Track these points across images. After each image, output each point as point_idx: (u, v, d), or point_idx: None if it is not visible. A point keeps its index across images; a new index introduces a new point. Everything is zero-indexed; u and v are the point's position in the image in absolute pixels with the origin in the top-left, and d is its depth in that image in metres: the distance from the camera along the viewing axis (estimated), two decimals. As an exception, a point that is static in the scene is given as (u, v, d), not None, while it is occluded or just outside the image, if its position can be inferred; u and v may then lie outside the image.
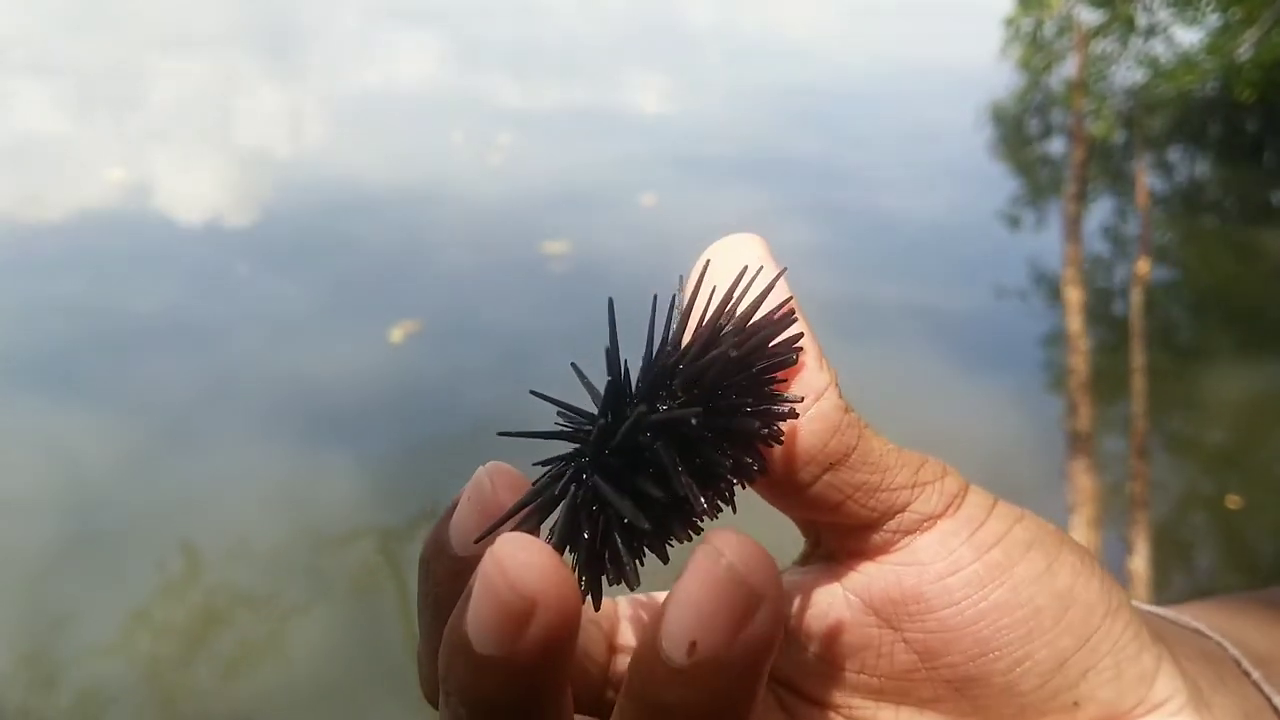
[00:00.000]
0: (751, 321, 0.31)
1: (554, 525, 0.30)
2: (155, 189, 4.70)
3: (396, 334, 3.35)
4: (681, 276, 0.34)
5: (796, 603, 0.36)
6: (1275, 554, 2.68)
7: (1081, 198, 3.89)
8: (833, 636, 0.35)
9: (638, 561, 0.30)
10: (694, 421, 0.29)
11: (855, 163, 5.24)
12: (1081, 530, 2.30)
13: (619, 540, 0.29)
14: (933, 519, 0.34)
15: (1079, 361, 2.74)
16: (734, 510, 0.32)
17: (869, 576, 0.35)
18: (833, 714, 0.36)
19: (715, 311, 0.31)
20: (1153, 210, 4.65)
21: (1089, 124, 5.11)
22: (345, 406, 3.04)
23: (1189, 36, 6.01)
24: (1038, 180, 5.39)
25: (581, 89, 6.71)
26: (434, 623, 0.31)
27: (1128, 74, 6.04)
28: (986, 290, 3.91)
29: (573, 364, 0.33)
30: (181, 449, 2.85)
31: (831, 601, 0.35)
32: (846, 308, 3.68)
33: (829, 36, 8.45)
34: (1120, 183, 5.13)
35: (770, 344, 0.31)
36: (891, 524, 0.34)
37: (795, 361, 0.32)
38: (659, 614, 0.26)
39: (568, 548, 0.30)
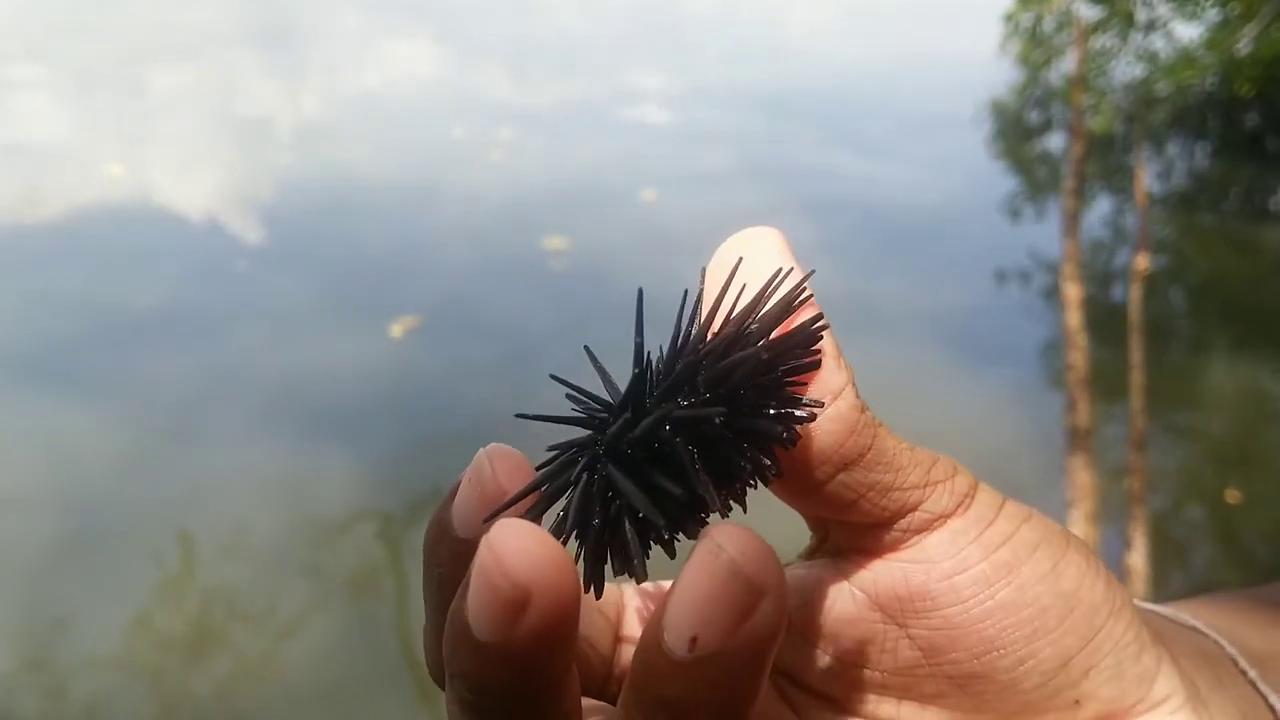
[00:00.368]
0: (781, 325, 0.31)
1: (563, 511, 0.30)
2: (154, 185, 4.70)
3: (396, 329, 3.36)
4: (703, 269, 0.34)
5: (802, 597, 0.36)
6: (1275, 549, 2.69)
7: (1080, 193, 3.89)
8: (837, 631, 0.36)
9: (645, 554, 0.30)
10: (718, 421, 0.29)
11: (854, 158, 5.23)
12: (1080, 526, 2.30)
13: (628, 532, 0.29)
14: (943, 518, 0.34)
15: (1077, 357, 2.74)
16: (744, 510, 0.32)
17: (876, 573, 0.35)
18: (835, 708, 0.36)
19: (742, 311, 0.31)
20: (1152, 205, 4.65)
21: (1088, 119, 5.11)
22: (345, 402, 3.04)
23: (1188, 31, 6.01)
24: (1036, 176, 5.39)
25: (581, 85, 6.70)
26: (439, 605, 0.31)
27: (1127, 69, 6.04)
28: (985, 286, 3.92)
29: (586, 347, 0.33)
30: (181, 444, 2.86)
31: (837, 597, 0.36)
32: (845, 304, 3.68)
33: (828, 31, 8.44)
34: (1119, 178, 5.13)
35: (795, 345, 0.31)
36: (902, 523, 0.34)
37: (818, 366, 0.32)
38: (661, 607, 0.27)
39: (574, 535, 0.30)
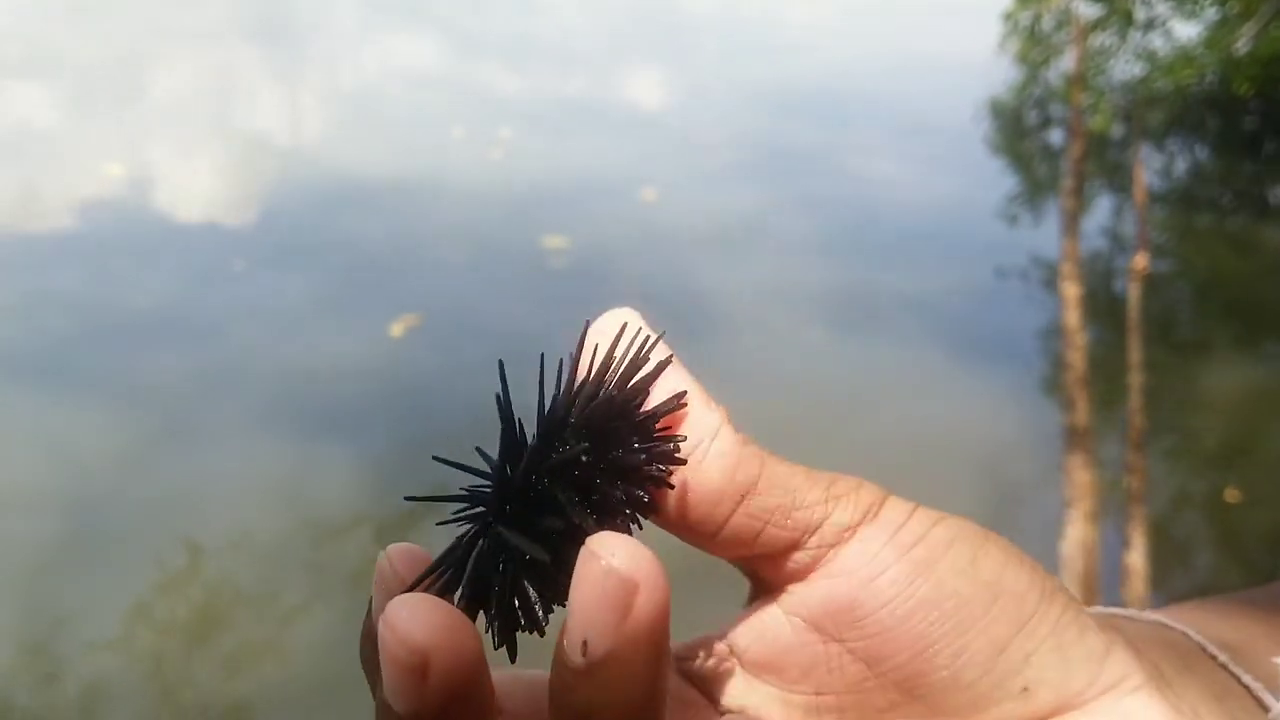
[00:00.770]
0: (633, 370, 0.33)
1: (464, 581, 0.31)
2: (154, 184, 4.70)
3: (397, 328, 3.36)
4: (569, 354, 0.35)
5: (746, 639, 0.37)
6: (1274, 549, 2.69)
7: (1079, 193, 3.90)
8: (785, 662, 0.37)
9: (549, 608, 0.31)
10: (585, 459, 0.31)
11: (854, 156, 5.24)
12: (1079, 525, 2.31)
13: (529, 586, 0.31)
14: (852, 528, 0.35)
15: (1076, 357, 2.74)
16: None
17: (804, 596, 0.36)
18: None
19: (601, 366, 0.33)
20: (1150, 204, 4.66)
21: (1087, 118, 5.11)
22: (346, 400, 3.04)
23: (1187, 31, 6.01)
24: (1036, 175, 5.40)
25: (581, 83, 6.70)
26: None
27: (1126, 68, 6.04)
28: (984, 285, 3.92)
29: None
30: (181, 443, 2.86)
31: (777, 629, 0.37)
32: (844, 301, 3.69)
33: (828, 29, 8.44)
34: (1118, 177, 5.13)
35: (651, 384, 0.33)
36: (813, 539, 0.35)
37: (683, 404, 0.34)
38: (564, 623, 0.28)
39: (477, 600, 0.31)
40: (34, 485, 2.67)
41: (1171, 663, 0.37)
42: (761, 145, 5.40)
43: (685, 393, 0.34)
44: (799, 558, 0.35)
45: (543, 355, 0.33)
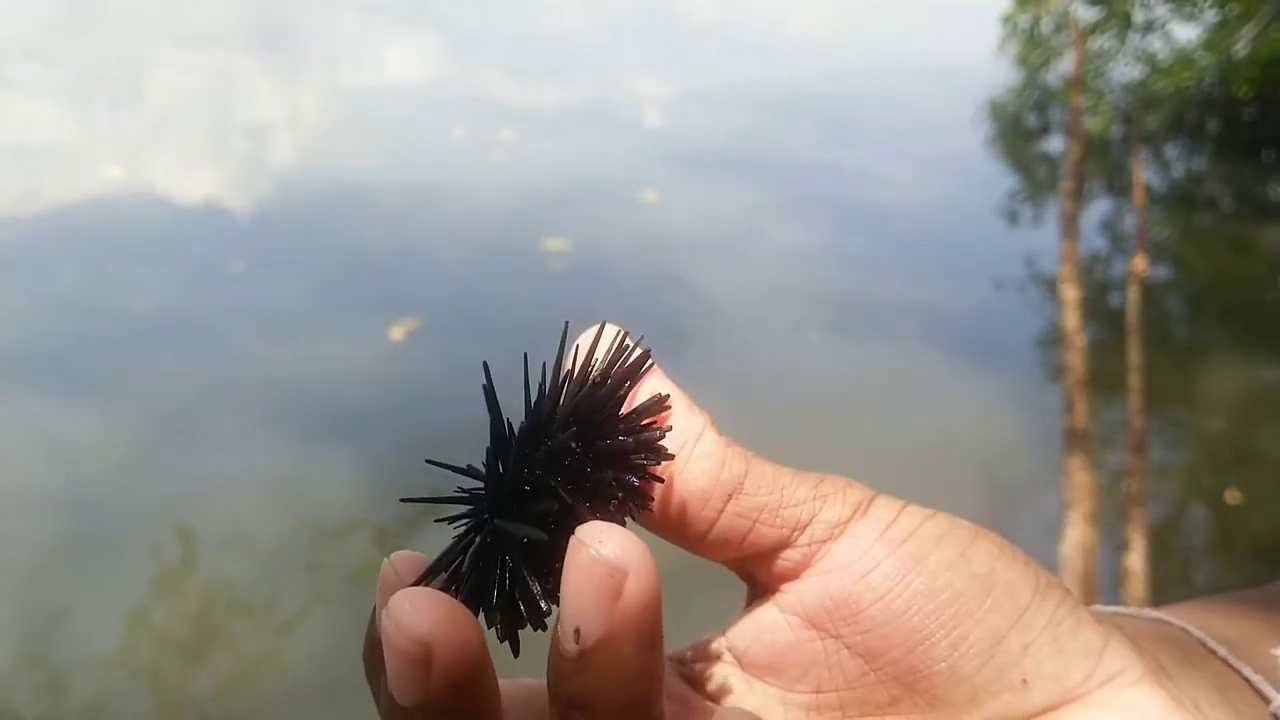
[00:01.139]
0: (614, 367, 0.34)
1: (463, 579, 0.31)
2: (154, 186, 4.71)
3: (397, 331, 3.36)
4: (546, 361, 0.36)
5: (743, 639, 0.38)
6: (1275, 550, 2.69)
7: (1078, 194, 3.90)
8: (784, 661, 0.37)
9: (552, 601, 0.31)
10: (575, 446, 0.32)
11: (853, 158, 5.24)
12: (1078, 527, 2.31)
13: (526, 578, 0.31)
14: (841, 525, 0.36)
15: (1076, 358, 2.75)
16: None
17: (799, 594, 0.36)
18: None
19: (584, 365, 0.34)
20: (1150, 206, 4.66)
21: (1086, 120, 5.11)
22: (346, 403, 3.04)
23: (1186, 33, 6.02)
24: (1035, 177, 5.40)
25: (583, 85, 6.71)
26: None
27: (1125, 70, 6.04)
28: (984, 287, 3.92)
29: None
30: (180, 445, 2.86)
31: (775, 628, 0.37)
32: (844, 303, 3.69)
33: (827, 32, 8.45)
34: (1117, 179, 5.13)
35: (634, 378, 0.34)
36: (804, 537, 0.36)
37: (666, 405, 0.34)
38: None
39: (478, 595, 0.31)
40: (33, 486, 2.67)
41: (1172, 657, 0.38)
42: (761, 147, 5.40)
43: (668, 395, 0.35)
44: (790, 555, 0.36)
45: (526, 355, 0.33)
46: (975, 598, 0.35)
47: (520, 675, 0.35)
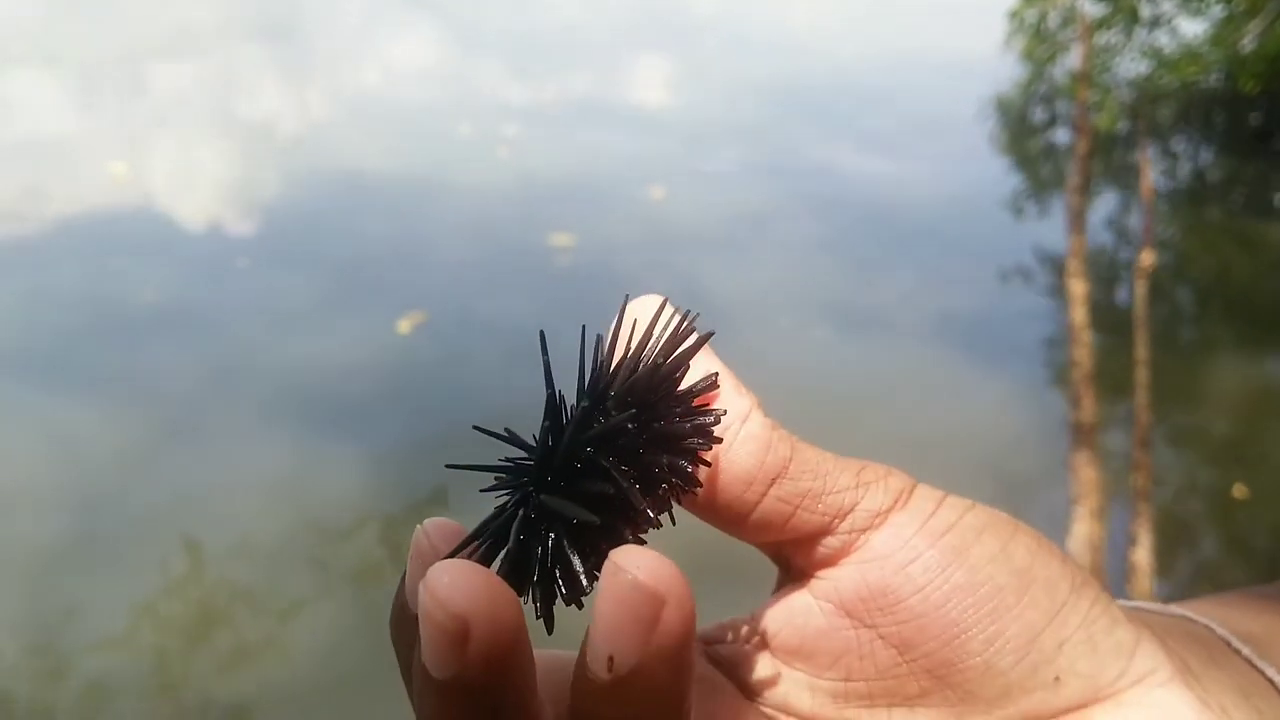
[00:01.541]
0: (671, 345, 0.33)
1: (507, 550, 0.31)
2: (158, 183, 4.71)
3: (404, 325, 3.36)
4: (601, 334, 0.36)
5: (776, 625, 0.37)
6: None
7: (1085, 190, 3.89)
8: (815, 648, 0.37)
9: (593, 579, 0.30)
10: (631, 426, 0.31)
11: (859, 154, 5.23)
12: (1085, 522, 2.31)
13: (569, 555, 0.30)
14: (883, 514, 0.35)
15: (1082, 354, 2.74)
16: (673, 523, 0.33)
17: (836, 581, 0.36)
18: None
19: (640, 341, 0.33)
20: (1156, 202, 4.65)
21: (1093, 116, 5.10)
22: (353, 398, 3.05)
23: (1193, 28, 6.00)
24: (1041, 172, 5.39)
25: (588, 81, 6.70)
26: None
27: (1132, 65, 6.02)
28: (990, 283, 3.92)
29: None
30: (186, 440, 2.86)
31: (808, 614, 0.37)
32: (850, 299, 3.68)
33: (832, 27, 8.43)
34: (1124, 175, 5.12)
35: (691, 358, 0.33)
36: (844, 524, 0.35)
37: (715, 385, 0.34)
38: (586, 636, 0.28)
39: (519, 570, 0.30)
40: (38, 483, 2.68)
41: (1197, 656, 0.37)
42: (768, 143, 5.39)
43: (717, 374, 0.34)
44: (830, 543, 0.35)
45: (584, 327, 0.33)
46: (1014, 593, 0.34)
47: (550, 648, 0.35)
